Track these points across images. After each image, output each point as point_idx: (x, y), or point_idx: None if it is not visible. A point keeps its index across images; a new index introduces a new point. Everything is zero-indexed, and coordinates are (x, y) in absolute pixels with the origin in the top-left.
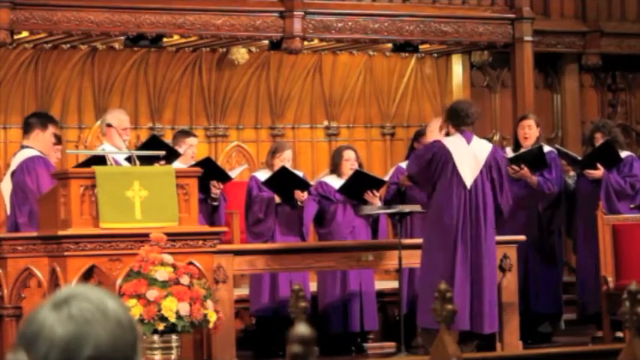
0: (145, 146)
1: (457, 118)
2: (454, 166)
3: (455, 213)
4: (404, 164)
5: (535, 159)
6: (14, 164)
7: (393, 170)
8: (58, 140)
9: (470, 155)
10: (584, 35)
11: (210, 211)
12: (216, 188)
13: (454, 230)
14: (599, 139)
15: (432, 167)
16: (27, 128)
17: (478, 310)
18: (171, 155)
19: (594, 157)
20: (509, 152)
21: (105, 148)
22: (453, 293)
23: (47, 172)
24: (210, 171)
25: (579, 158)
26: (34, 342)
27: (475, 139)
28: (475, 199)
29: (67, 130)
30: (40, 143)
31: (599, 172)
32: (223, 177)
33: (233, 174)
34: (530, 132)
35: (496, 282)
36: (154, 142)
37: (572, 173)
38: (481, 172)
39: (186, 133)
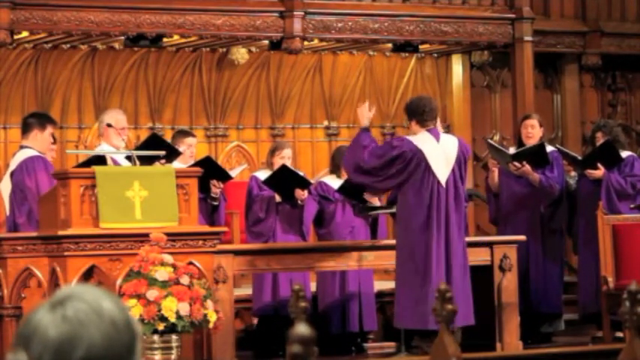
0: (145, 144)
1: (421, 115)
2: (427, 164)
3: (430, 211)
4: None
5: (536, 155)
6: (13, 164)
7: None
8: (53, 139)
9: (441, 153)
10: (584, 35)
11: (210, 211)
12: (216, 187)
13: (432, 227)
14: (600, 139)
15: (397, 165)
16: (25, 128)
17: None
18: (172, 154)
19: (595, 157)
20: (512, 151)
21: (104, 149)
22: (430, 290)
23: (46, 172)
24: (210, 170)
25: (580, 158)
26: (29, 342)
27: (442, 135)
28: (447, 196)
29: (67, 130)
30: (38, 143)
31: (599, 171)
32: (223, 176)
33: (233, 173)
34: (533, 132)
35: (469, 274)
36: (154, 140)
37: (573, 173)
38: (453, 169)
39: (185, 133)
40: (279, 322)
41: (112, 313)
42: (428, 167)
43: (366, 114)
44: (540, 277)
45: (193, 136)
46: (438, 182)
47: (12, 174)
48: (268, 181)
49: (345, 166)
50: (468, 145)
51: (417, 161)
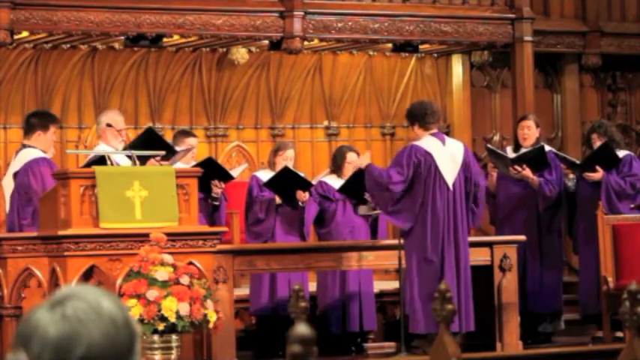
0: (141, 139)
1: (422, 118)
2: (436, 167)
3: (440, 213)
4: None
5: (536, 159)
6: (17, 164)
7: None
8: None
9: (448, 156)
10: (584, 35)
11: (210, 211)
12: (217, 188)
13: (441, 231)
14: (597, 140)
15: (413, 170)
16: (28, 129)
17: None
18: (168, 152)
19: (593, 160)
20: (510, 152)
21: (103, 149)
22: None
23: (52, 173)
24: (212, 171)
25: (578, 162)
26: (29, 342)
27: (447, 139)
28: (454, 198)
29: (67, 130)
30: (41, 144)
31: (598, 174)
32: (225, 176)
33: (234, 173)
34: (529, 132)
35: (470, 280)
36: (149, 135)
37: (571, 176)
38: (459, 172)
39: (187, 133)
40: (277, 322)
41: (111, 312)
42: (437, 170)
43: (366, 158)
44: (537, 277)
45: (194, 136)
46: (447, 185)
47: (15, 174)
48: (269, 183)
49: (381, 206)
50: (471, 153)
51: (427, 165)
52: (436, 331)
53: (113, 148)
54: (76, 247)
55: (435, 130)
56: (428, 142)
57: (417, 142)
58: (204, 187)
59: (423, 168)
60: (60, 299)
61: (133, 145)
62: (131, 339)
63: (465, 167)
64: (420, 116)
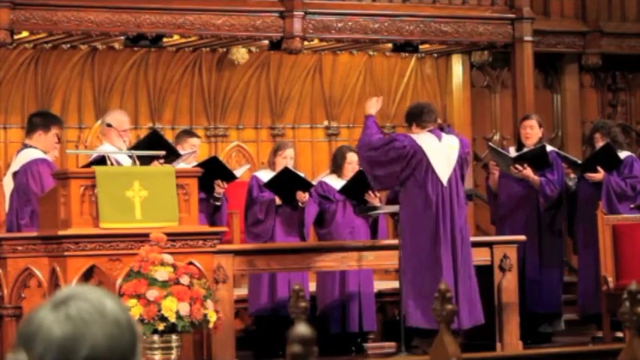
0: (144, 141)
1: (419, 116)
2: (429, 163)
3: (434, 211)
4: None
5: (538, 158)
6: (17, 164)
7: None
8: (57, 139)
9: (443, 152)
10: (584, 35)
11: (212, 211)
12: (220, 187)
13: (435, 227)
14: (599, 140)
15: (399, 161)
16: (30, 128)
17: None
18: (171, 154)
19: (594, 161)
20: (512, 152)
21: (106, 149)
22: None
23: (51, 174)
24: (216, 170)
25: (579, 162)
26: (32, 342)
27: (444, 135)
28: (450, 195)
29: (67, 130)
30: (42, 144)
31: (599, 175)
32: (228, 176)
33: (237, 173)
34: (531, 132)
35: (474, 274)
36: (153, 137)
37: (572, 176)
38: (454, 169)
39: (190, 134)
40: (276, 322)
41: (115, 313)
42: (430, 166)
43: (373, 105)
44: (537, 277)
45: (198, 136)
46: (441, 182)
47: (15, 174)
48: (270, 184)
49: (358, 146)
50: (468, 141)
51: (417, 158)
52: (434, 326)
53: (116, 148)
54: (76, 247)
55: (431, 128)
56: (423, 137)
57: (412, 135)
58: (207, 187)
59: (414, 160)
60: (63, 299)
61: (136, 147)
62: (134, 340)
63: (461, 163)
64: (416, 115)
